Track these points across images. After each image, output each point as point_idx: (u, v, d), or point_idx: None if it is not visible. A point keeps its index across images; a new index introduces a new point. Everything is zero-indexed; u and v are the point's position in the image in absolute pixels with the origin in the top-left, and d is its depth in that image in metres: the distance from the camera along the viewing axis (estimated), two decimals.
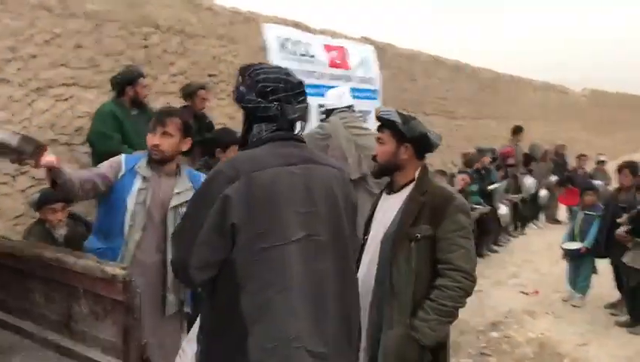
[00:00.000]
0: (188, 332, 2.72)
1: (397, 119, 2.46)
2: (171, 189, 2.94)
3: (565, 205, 9.70)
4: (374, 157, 2.57)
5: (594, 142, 16.66)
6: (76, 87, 4.79)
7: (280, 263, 1.88)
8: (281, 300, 1.87)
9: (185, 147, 2.94)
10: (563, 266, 6.40)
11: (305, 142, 2.11)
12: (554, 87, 15.82)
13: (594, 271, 6.02)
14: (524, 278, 7.01)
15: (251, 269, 1.86)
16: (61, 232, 3.83)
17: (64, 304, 2.37)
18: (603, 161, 10.79)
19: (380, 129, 2.57)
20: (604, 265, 5.90)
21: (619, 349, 4.90)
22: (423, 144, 2.51)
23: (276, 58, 6.82)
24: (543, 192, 9.99)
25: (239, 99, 2.04)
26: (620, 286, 5.65)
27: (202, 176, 2.99)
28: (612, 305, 5.85)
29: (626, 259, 5.15)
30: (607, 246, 5.50)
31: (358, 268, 2.47)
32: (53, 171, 2.49)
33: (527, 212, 9.73)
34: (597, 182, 8.75)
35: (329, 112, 4.63)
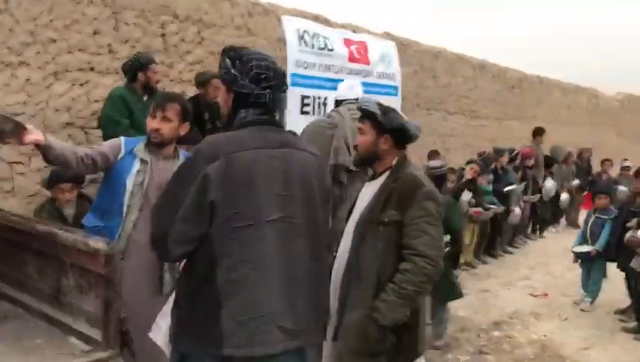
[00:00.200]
0: None
1: (376, 110, 2.54)
2: (169, 172, 2.98)
3: (587, 210, 9.53)
4: (355, 147, 2.64)
5: (625, 147, 16.29)
6: (93, 72, 4.93)
7: (256, 242, 1.96)
8: (256, 277, 1.95)
9: (183, 131, 3.03)
10: (577, 271, 6.32)
11: (283, 127, 2.19)
12: (584, 89, 15.51)
13: (604, 275, 5.94)
14: (535, 281, 6.94)
15: (228, 246, 1.94)
16: (70, 211, 3.95)
17: (54, 277, 2.48)
18: (628, 167, 10.56)
19: (361, 120, 2.64)
20: (618, 271, 5.80)
21: (622, 354, 4.84)
22: (401, 135, 2.58)
23: (294, 50, 6.86)
24: (564, 196, 9.84)
25: (231, 82, 2.11)
26: (631, 291, 5.56)
27: None
28: (622, 311, 5.76)
29: (634, 264, 5.07)
30: (618, 250, 5.43)
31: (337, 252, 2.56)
32: (41, 147, 2.58)
33: (546, 215, 9.60)
34: (621, 188, 8.60)
35: (338, 103, 4.67)
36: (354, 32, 7.93)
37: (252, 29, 6.39)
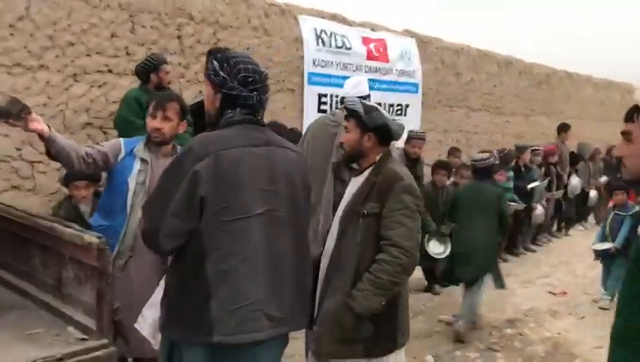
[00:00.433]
0: None
1: (360, 110, 2.61)
2: None
3: None
4: (341, 145, 2.72)
5: None
6: (111, 74, 5.10)
7: (243, 234, 2.09)
8: (244, 268, 2.08)
9: (182, 129, 3.14)
10: (599, 269, 6.22)
11: (266, 126, 2.31)
12: (618, 85, 15.15)
13: None
14: (555, 279, 6.86)
15: (217, 239, 2.06)
16: (86, 209, 4.10)
17: (56, 269, 2.60)
18: None
19: (346, 118, 2.72)
20: None
21: None
22: (384, 133, 2.67)
23: (311, 50, 6.95)
24: (593, 193, 9.66)
25: (221, 85, 2.22)
26: None
27: None
28: None
29: None
30: None
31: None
32: (45, 138, 2.72)
33: (571, 212, 9.44)
34: None
35: (343, 101, 4.72)
36: (372, 30, 7.95)
37: (268, 29, 6.48)
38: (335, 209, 3.35)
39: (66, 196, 4.24)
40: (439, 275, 5.86)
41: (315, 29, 7.04)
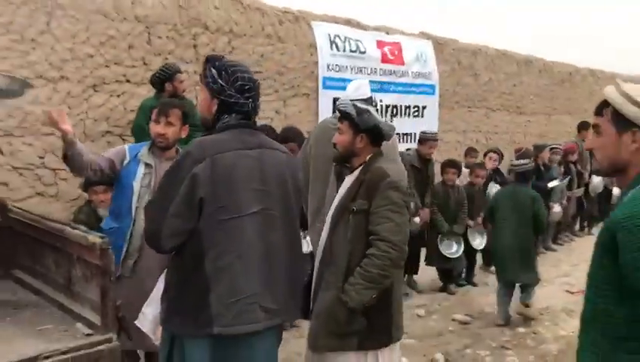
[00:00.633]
0: None
1: (352, 112, 2.71)
2: None
3: None
4: (334, 145, 2.82)
5: None
6: (129, 83, 5.30)
7: (238, 233, 2.24)
8: (240, 264, 2.23)
9: (184, 134, 3.30)
10: None
11: (258, 130, 2.47)
12: None
13: None
14: (574, 278, 6.80)
15: (214, 237, 2.22)
16: (104, 213, 4.25)
17: (66, 269, 2.77)
18: None
19: (339, 120, 2.82)
20: None
21: None
22: (375, 134, 2.77)
23: (325, 55, 7.08)
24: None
25: (219, 92, 2.36)
26: None
27: None
28: None
29: None
30: None
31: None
32: (67, 139, 2.93)
33: (595, 211, 9.32)
34: None
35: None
36: (387, 33, 8.02)
37: (282, 36, 6.62)
38: None
39: (86, 201, 4.44)
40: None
41: (329, 35, 7.16)
